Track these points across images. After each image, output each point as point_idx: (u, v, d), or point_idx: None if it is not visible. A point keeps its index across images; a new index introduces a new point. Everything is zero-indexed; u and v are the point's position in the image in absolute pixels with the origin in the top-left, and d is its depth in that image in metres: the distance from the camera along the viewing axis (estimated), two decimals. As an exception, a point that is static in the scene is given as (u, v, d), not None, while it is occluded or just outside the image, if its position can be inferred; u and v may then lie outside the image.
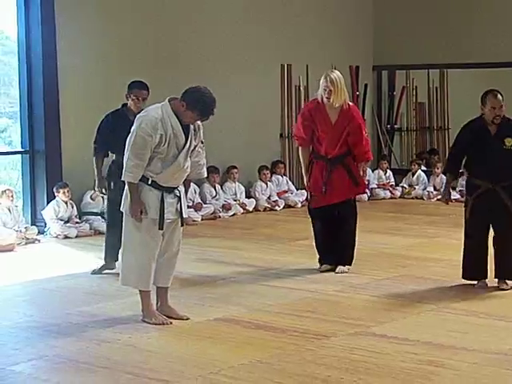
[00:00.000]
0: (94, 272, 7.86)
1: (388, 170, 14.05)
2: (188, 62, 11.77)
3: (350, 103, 7.78)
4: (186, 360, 5.19)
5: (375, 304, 6.63)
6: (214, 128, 11.38)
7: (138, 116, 6.00)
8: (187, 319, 6.10)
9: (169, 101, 5.94)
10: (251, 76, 12.63)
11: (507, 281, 7.04)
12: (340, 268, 7.74)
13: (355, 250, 7.86)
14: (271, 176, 12.71)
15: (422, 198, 13.46)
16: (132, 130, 5.93)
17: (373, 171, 13.91)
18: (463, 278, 7.13)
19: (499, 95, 6.93)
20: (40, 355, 5.34)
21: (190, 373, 4.95)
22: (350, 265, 7.82)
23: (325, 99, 7.56)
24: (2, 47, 11.10)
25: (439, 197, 13.11)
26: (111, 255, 7.75)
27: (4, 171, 11.01)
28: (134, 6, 11.21)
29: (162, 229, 5.98)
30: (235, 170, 12.16)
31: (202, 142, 6.19)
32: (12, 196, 9.73)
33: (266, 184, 12.51)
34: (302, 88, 13.46)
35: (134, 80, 7.90)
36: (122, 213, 6.09)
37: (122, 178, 5.97)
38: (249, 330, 5.89)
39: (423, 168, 14.12)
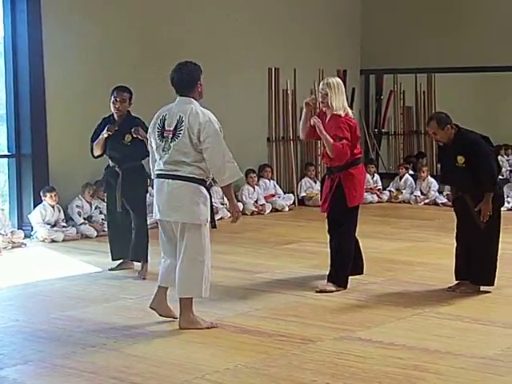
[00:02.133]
0: (112, 269, 8.11)
1: (375, 174, 14.09)
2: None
3: (349, 115, 7.19)
4: (172, 365, 5.18)
5: (361, 308, 6.63)
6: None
7: (203, 117, 5.78)
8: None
9: (180, 96, 5.90)
10: (238, 79, 12.64)
11: (472, 284, 7.03)
12: (321, 285, 7.22)
13: (346, 270, 7.21)
14: (258, 180, 12.71)
15: (409, 202, 13.51)
16: (213, 131, 5.74)
17: (360, 175, 13.93)
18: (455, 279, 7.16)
19: (432, 121, 6.82)
20: (25, 360, 5.32)
21: (175, 377, 4.94)
22: (334, 284, 7.15)
23: (320, 104, 7.28)
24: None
25: (426, 201, 13.24)
26: (120, 252, 8.03)
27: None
28: (124, 7, 11.21)
29: (216, 227, 6.02)
30: (222, 174, 12.12)
31: None
32: (-2, 200, 9.72)
33: (254, 188, 12.51)
34: (289, 92, 13.47)
35: (119, 85, 7.99)
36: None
37: (229, 182, 5.83)
38: (235, 334, 5.88)
39: (410, 172, 14.15)
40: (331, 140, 7.10)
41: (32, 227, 10.09)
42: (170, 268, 6.03)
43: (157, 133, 5.92)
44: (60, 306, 6.76)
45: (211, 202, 5.97)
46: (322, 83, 7.29)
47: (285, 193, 13.07)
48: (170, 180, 5.83)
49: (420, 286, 7.34)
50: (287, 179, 13.50)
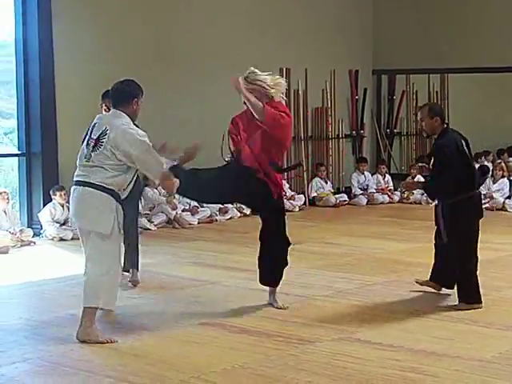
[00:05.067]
0: None
1: (387, 175, 14.07)
2: (186, 64, 11.82)
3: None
4: (169, 364, 5.21)
5: (363, 309, 6.63)
6: (210, 130, 11.44)
7: (125, 131, 5.70)
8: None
9: (114, 108, 5.89)
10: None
11: (447, 290, 6.92)
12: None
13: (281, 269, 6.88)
14: (269, 180, 12.68)
15: (420, 203, 13.45)
16: (138, 144, 5.65)
17: (372, 175, 13.93)
18: None
19: (424, 108, 6.80)
20: (24, 358, 5.36)
21: (170, 377, 4.97)
22: (271, 286, 6.79)
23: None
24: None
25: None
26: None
27: (1, 173, 11.05)
28: (134, 7, 11.27)
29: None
30: (232, 174, 12.14)
31: None
32: (8, 198, 9.77)
33: (264, 188, 12.49)
34: (300, 92, 13.46)
35: (108, 89, 7.79)
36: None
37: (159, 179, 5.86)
38: (234, 334, 5.90)
39: (422, 173, 14.09)
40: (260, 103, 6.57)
41: (41, 225, 10.15)
42: None
43: (85, 139, 5.89)
44: (63, 305, 6.80)
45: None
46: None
47: (298, 193, 13.07)
48: (81, 187, 5.78)
49: (423, 288, 7.31)
50: (298, 179, 13.49)
